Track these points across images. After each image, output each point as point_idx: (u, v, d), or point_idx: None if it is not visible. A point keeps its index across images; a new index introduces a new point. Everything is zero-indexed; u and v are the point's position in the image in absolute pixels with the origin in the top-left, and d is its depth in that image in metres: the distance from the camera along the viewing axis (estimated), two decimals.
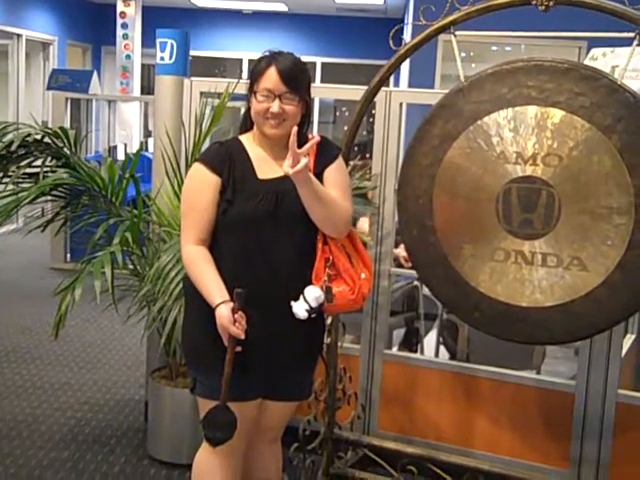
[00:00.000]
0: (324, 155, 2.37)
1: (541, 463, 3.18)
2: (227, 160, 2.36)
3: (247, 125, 2.44)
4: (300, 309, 2.29)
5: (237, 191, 2.33)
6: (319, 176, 2.32)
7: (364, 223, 3.68)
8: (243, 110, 2.49)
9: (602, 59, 3.04)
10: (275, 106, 2.29)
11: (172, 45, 3.61)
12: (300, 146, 2.20)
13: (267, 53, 2.36)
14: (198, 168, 2.38)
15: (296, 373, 2.50)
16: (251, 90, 2.34)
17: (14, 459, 3.51)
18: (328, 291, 2.33)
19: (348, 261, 2.39)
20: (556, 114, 2.46)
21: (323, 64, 12.81)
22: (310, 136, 2.33)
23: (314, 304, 2.29)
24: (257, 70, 2.33)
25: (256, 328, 2.25)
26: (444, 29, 2.68)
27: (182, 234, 2.40)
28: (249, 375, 2.35)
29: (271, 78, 2.29)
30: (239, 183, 2.34)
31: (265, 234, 2.32)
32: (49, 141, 3.44)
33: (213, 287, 2.28)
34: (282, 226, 2.32)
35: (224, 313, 2.22)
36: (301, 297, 2.29)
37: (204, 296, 2.29)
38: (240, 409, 2.33)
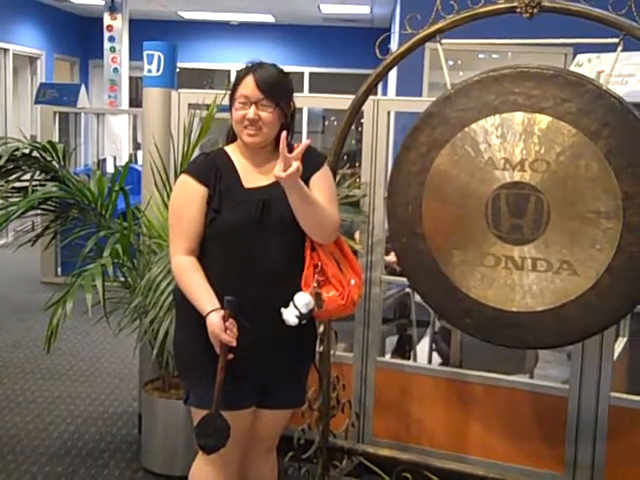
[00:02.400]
0: (310, 162, 2.38)
1: (536, 467, 3.19)
2: (213, 170, 2.39)
3: (232, 136, 2.46)
4: (290, 315, 2.30)
5: (224, 200, 2.35)
6: (305, 183, 2.33)
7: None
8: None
9: (587, 65, 3.06)
10: (251, 112, 2.32)
11: (159, 57, 3.62)
12: None
13: (249, 64, 2.40)
14: (185, 179, 2.41)
15: (289, 380, 2.50)
16: (231, 99, 2.38)
17: (7, 474, 3.49)
18: (318, 297, 2.34)
19: (337, 267, 2.41)
20: (543, 120, 2.47)
21: (311, 74, 12.86)
22: (296, 145, 2.35)
23: (304, 310, 2.30)
24: (237, 79, 2.38)
25: (247, 335, 2.26)
26: (430, 37, 2.69)
27: (171, 245, 2.41)
28: (241, 383, 2.35)
29: (248, 85, 2.33)
30: (226, 192, 2.36)
31: (253, 242, 2.33)
32: (37, 155, 3.44)
33: (203, 296, 2.29)
34: (270, 234, 2.34)
35: (215, 321, 2.23)
36: (291, 303, 2.30)
37: (195, 305, 2.30)
38: (234, 418, 2.33)
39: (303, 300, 2.31)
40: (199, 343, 2.31)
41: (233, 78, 2.43)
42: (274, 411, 2.52)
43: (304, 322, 2.32)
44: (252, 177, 2.40)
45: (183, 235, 2.36)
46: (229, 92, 2.42)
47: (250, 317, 2.26)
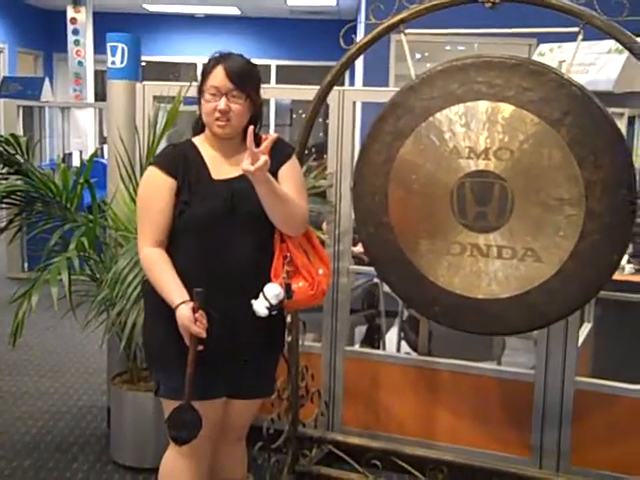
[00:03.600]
0: (278, 154, 2.38)
1: (503, 452, 3.23)
2: (181, 162, 2.38)
3: (200, 127, 2.46)
4: (260, 307, 2.30)
5: (193, 192, 2.34)
6: (274, 175, 2.34)
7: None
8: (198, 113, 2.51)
9: (549, 54, 3.09)
10: (222, 103, 2.31)
11: (123, 49, 3.60)
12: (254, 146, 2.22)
13: (217, 54, 2.39)
14: (153, 171, 2.39)
15: (258, 370, 2.51)
16: (200, 90, 2.37)
17: None
18: (287, 288, 2.35)
19: (306, 258, 2.42)
20: (506, 109, 2.50)
21: (278, 67, 12.83)
22: (264, 136, 2.35)
23: (274, 301, 2.30)
24: (205, 70, 2.36)
25: (217, 327, 2.26)
26: (394, 27, 2.71)
27: (139, 237, 2.40)
28: (212, 373, 2.36)
29: (218, 76, 2.32)
30: (194, 184, 2.35)
31: (222, 234, 2.33)
32: (0, 149, 3.41)
33: (172, 288, 2.29)
34: (239, 225, 2.34)
35: (185, 312, 2.23)
36: (261, 295, 2.31)
37: (164, 297, 2.30)
38: (205, 408, 2.33)
39: (273, 291, 2.32)
40: (169, 334, 2.30)
41: (199, 72, 2.42)
42: (244, 401, 2.52)
43: (274, 313, 2.33)
44: (221, 169, 2.39)
45: (152, 227, 2.35)
46: (197, 84, 2.41)
47: (220, 308, 2.27)
